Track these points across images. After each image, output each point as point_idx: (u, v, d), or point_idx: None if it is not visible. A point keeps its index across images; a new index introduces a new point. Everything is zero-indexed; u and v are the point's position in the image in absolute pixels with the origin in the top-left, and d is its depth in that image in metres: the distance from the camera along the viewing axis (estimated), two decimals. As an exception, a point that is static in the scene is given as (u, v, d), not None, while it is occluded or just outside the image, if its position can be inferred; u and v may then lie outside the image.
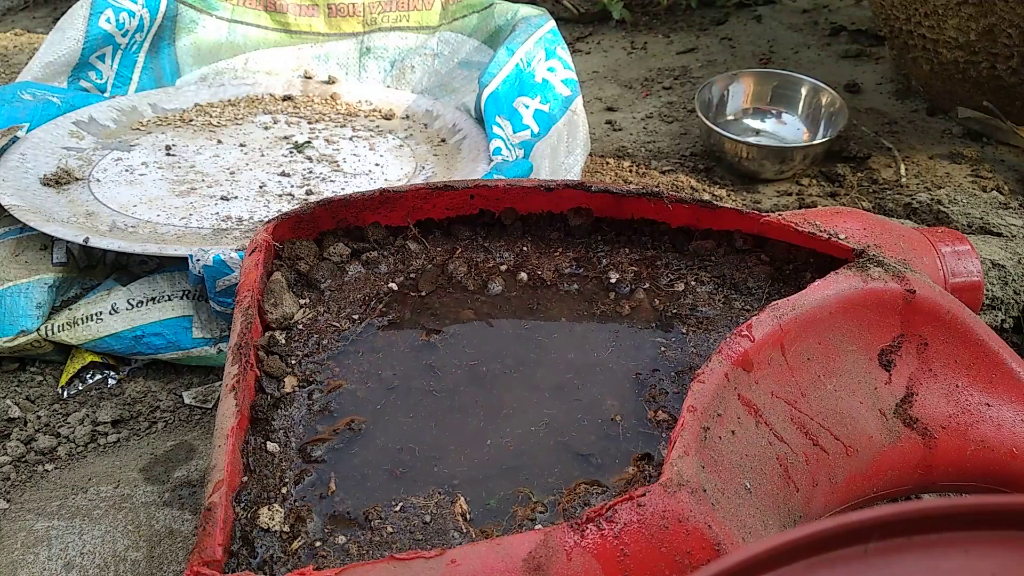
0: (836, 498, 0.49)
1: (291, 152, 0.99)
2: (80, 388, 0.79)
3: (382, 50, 1.18)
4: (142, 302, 0.78)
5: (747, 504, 0.43)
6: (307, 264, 0.60)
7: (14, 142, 0.93)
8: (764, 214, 0.59)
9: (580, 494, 0.46)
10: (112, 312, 0.78)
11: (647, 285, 0.61)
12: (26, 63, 1.16)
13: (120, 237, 0.80)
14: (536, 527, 0.43)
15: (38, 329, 0.77)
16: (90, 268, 0.84)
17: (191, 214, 0.86)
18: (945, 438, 0.52)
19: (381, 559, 0.37)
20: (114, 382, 0.80)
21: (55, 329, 0.78)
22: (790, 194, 1.08)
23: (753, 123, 1.20)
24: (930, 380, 0.52)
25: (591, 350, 0.56)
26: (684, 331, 0.57)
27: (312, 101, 1.12)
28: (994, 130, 1.15)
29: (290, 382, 0.52)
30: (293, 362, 0.54)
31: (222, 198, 0.89)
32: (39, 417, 0.76)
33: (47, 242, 0.82)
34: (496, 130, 0.94)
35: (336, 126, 1.06)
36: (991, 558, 0.22)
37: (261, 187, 0.92)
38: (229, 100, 1.11)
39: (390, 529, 0.44)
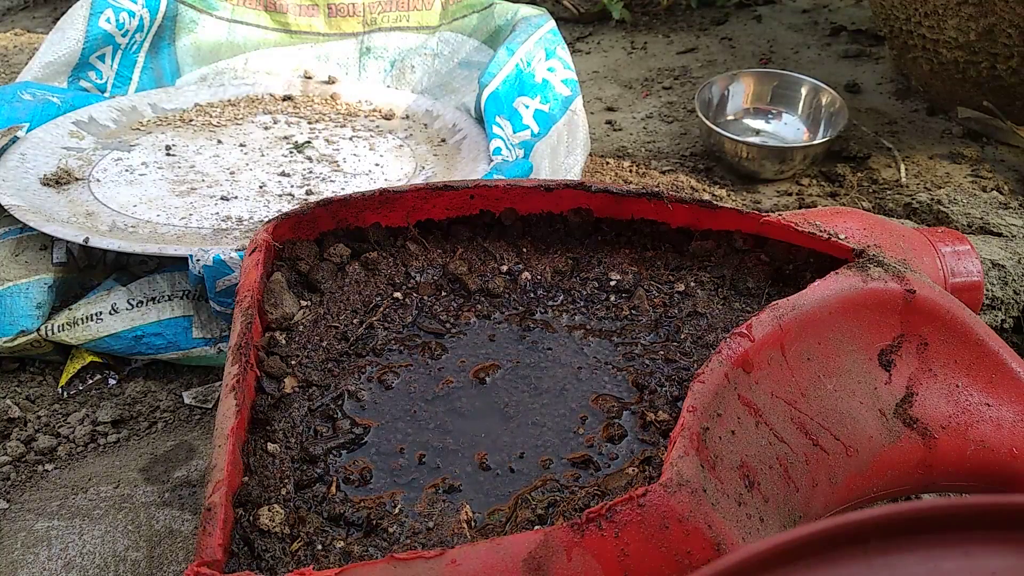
0: (836, 498, 0.49)
1: (291, 152, 0.99)
2: (80, 388, 0.79)
3: (382, 50, 1.18)
4: (142, 302, 0.78)
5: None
6: (307, 264, 0.60)
7: (14, 142, 0.93)
8: (764, 214, 0.59)
9: (580, 495, 0.46)
10: (112, 312, 0.77)
11: (647, 285, 0.61)
12: (26, 63, 1.16)
13: (120, 237, 0.80)
14: (536, 528, 0.43)
15: (38, 329, 0.77)
16: (90, 268, 0.84)
17: (191, 214, 0.86)
18: (945, 438, 0.52)
19: (381, 559, 0.37)
20: (114, 382, 0.80)
21: (55, 329, 0.77)
22: (790, 194, 1.08)
23: (753, 123, 1.20)
24: (930, 380, 0.52)
25: (591, 351, 0.56)
26: (684, 331, 0.57)
27: (312, 101, 1.12)
28: (994, 130, 1.15)
29: (290, 383, 0.52)
30: (293, 363, 0.54)
31: (222, 198, 0.89)
32: (39, 417, 0.76)
33: (47, 242, 0.82)
34: (496, 130, 0.94)
35: (336, 126, 1.06)
36: (991, 558, 0.22)
37: (261, 187, 0.92)
38: (229, 100, 1.11)
39: (392, 532, 0.44)
